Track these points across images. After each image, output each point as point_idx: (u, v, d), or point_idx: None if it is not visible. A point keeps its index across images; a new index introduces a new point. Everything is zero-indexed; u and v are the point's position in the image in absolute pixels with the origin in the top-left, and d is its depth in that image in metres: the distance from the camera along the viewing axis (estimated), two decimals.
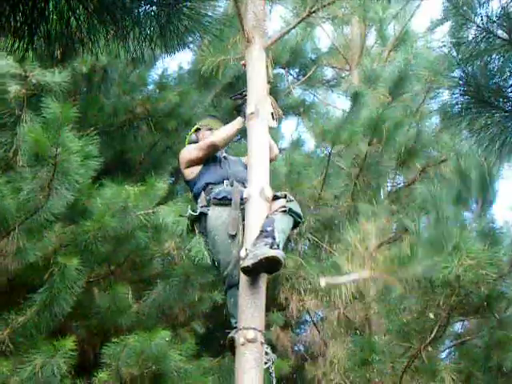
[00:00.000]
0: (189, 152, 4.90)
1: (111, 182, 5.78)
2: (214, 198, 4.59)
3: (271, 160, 4.71)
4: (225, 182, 4.69)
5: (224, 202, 4.54)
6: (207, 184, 4.70)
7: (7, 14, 2.22)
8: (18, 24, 2.25)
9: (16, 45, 2.31)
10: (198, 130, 5.16)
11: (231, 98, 5.21)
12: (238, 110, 4.93)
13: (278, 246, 3.92)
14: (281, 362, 6.36)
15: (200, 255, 5.58)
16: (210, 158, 4.86)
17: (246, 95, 4.83)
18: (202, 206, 4.63)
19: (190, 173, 4.85)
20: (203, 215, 4.61)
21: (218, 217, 4.51)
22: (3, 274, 5.36)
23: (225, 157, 4.96)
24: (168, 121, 7.43)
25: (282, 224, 4.23)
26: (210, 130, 5.09)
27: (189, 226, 4.99)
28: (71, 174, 5.04)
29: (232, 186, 4.63)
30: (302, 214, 4.51)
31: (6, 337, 4.99)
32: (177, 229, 5.70)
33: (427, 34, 10.02)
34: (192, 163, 4.85)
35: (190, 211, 4.75)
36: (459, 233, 5.88)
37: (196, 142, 5.05)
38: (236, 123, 4.88)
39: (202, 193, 4.69)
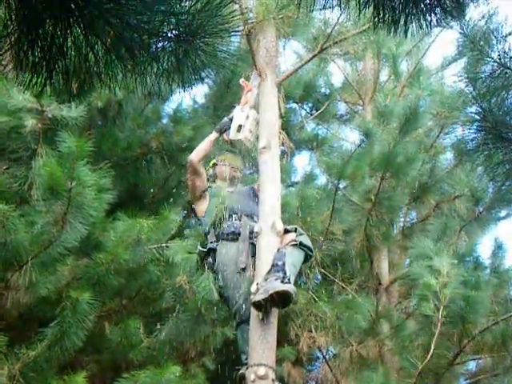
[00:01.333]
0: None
1: (124, 214, 5.77)
2: (223, 233, 4.58)
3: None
4: (233, 216, 4.68)
5: (232, 236, 4.54)
6: (215, 220, 4.70)
7: (26, 50, 2.24)
8: (37, 59, 2.26)
9: (34, 80, 2.32)
10: (215, 164, 5.16)
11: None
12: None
13: (288, 279, 3.90)
14: None
15: (207, 291, 5.52)
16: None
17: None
18: (211, 242, 4.63)
19: (200, 210, 4.88)
20: (212, 251, 4.59)
21: (226, 252, 4.50)
22: (15, 307, 5.33)
23: (231, 191, 4.95)
24: (182, 155, 7.44)
25: (293, 257, 4.20)
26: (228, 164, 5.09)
27: (198, 262, 4.98)
28: (85, 207, 5.05)
29: (240, 220, 4.62)
30: (312, 248, 4.49)
31: (16, 371, 4.93)
32: (185, 266, 5.66)
33: (441, 69, 10.02)
34: (193, 195, 4.90)
35: (199, 247, 4.75)
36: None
37: (213, 176, 5.06)
38: (210, 136, 4.99)
39: (211, 229, 4.69)
